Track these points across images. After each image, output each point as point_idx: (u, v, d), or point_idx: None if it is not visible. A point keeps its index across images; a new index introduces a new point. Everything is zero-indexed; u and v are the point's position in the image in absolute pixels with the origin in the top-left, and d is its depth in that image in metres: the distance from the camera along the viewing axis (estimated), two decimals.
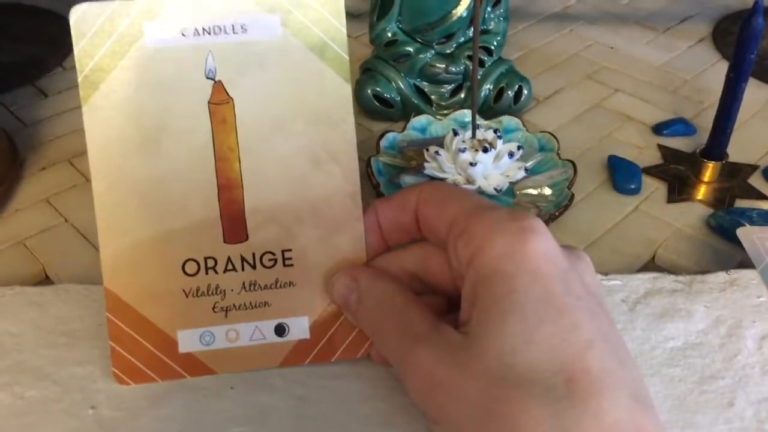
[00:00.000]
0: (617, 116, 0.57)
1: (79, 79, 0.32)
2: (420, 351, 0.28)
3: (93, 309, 0.36)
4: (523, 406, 0.25)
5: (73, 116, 0.56)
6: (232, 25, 0.32)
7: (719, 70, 0.62)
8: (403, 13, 0.53)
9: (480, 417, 0.26)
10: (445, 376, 0.27)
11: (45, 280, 0.43)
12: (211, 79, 0.32)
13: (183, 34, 0.32)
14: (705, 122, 0.55)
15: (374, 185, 0.46)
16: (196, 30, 0.32)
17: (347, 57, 0.33)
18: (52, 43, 0.63)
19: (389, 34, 0.54)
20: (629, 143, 0.54)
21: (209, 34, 0.32)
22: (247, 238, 0.33)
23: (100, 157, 0.32)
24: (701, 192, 0.49)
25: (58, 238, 0.46)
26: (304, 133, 0.33)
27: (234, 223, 0.33)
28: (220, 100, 0.32)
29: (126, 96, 0.32)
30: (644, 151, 0.53)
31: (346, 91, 0.33)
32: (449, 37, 0.54)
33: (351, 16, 0.68)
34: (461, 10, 0.52)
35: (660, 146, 0.54)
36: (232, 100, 0.32)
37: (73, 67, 0.60)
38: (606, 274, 0.40)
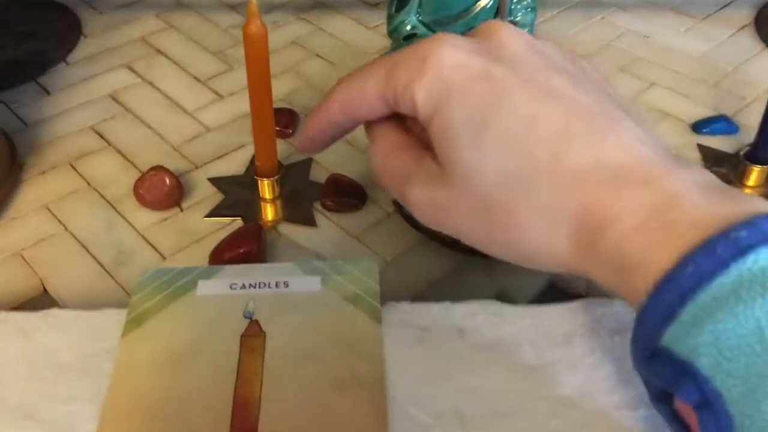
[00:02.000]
0: (653, 113, 0.53)
1: (126, 319, 0.35)
2: (411, 189, 0.31)
3: (84, 338, 0.34)
4: (514, 204, 0.28)
5: (77, 114, 0.53)
6: (276, 282, 0.37)
7: (763, 60, 0.58)
8: (424, 5, 0.50)
9: (484, 222, 0.29)
10: (439, 201, 0.30)
11: (43, 294, 0.41)
12: (249, 318, 0.35)
13: (231, 287, 0.36)
14: (748, 119, 0.52)
15: None
16: (244, 285, 0.36)
17: (380, 306, 0.36)
18: (55, 37, 0.60)
19: (408, 27, 0.50)
20: (666, 142, 0.50)
21: (255, 288, 0.36)
22: None
23: (121, 377, 0.32)
24: None
25: (57, 248, 0.43)
26: (331, 361, 0.33)
27: None
28: (252, 334, 0.34)
29: (164, 331, 0.34)
30: (683, 151, 0.49)
31: (377, 331, 0.34)
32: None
33: (368, 5, 0.64)
34: (486, 1, 0.49)
35: (699, 146, 0.50)
36: (264, 334, 0.34)
37: (78, 62, 0.58)
38: None
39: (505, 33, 0.31)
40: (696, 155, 0.49)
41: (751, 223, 0.24)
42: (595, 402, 0.31)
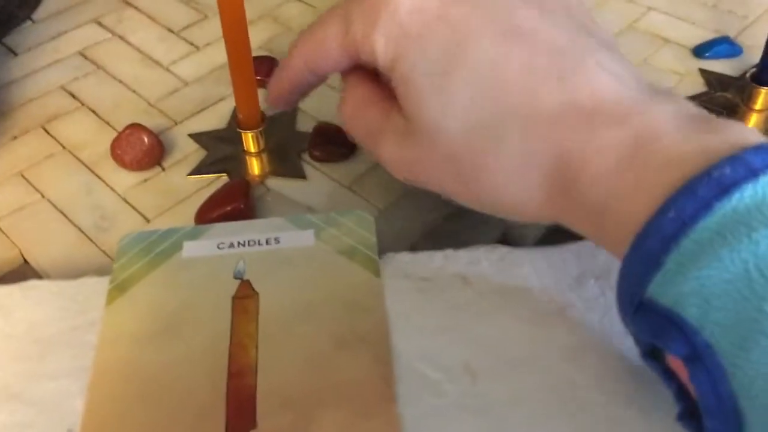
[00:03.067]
0: (652, 39, 0.51)
1: (109, 287, 0.33)
2: (381, 146, 0.30)
3: (66, 309, 0.32)
4: (483, 153, 0.27)
5: (47, 74, 0.50)
6: (267, 239, 0.34)
7: None
8: None
9: (455, 173, 0.28)
10: (409, 156, 0.29)
11: (24, 265, 0.39)
12: (239, 278, 0.33)
13: (219, 247, 0.34)
14: (751, 40, 0.49)
15: None
16: (232, 243, 0.34)
17: (377, 257, 0.34)
18: None
19: None
20: (667, 69, 0.48)
21: (244, 246, 0.34)
22: (255, 426, 0.28)
23: (106, 348, 0.31)
24: (753, 121, 0.44)
25: (35, 216, 0.41)
26: (330, 318, 0.31)
27: (242, 410, 0.28)
28: (244, 295, 0.32)
29: (150, 297, 0.32)
30: (685, 78, 0.47)
31: (377, 284, 0.32)
32: None
33: None
34: None
35: (702, 71, 0.48)
36: (257, 294, 0.32)
37: (44, 20, 0.55)
38: None
39: None
40: (699, 81, 0.47)
41: (735, 157, 0.22)
42: (612, 345, 0.30)
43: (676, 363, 0.24)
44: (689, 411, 0.24)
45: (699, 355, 0.21)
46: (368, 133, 0.31)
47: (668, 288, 0.22)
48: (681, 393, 0.24)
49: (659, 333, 0.23)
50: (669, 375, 0.24)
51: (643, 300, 0.23)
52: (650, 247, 0.23)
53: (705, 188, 0.22)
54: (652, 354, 0.25)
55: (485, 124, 0.27)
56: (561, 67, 0.26)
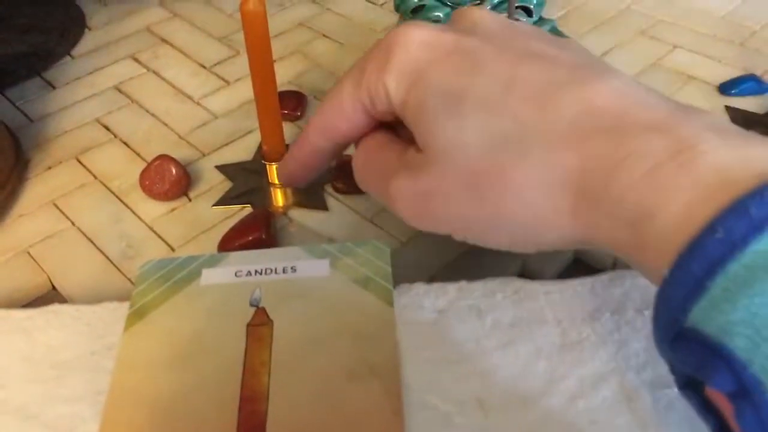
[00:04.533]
0: (678, 76, 0.51)
1: (128, 312, 0.33)
2: (393, 182, 0.29)
3: (84, 334, 0.32)
4: (503, 169, 0.25)
5: (83, 108, 0.52)
6: (284, 267, 0.35)
7: None
8: None
9: (473, 198, 0.26)
10: (422, 188, 0.28)
11: (51, 291, 0.40)
12: (255, 306, 0.33)
13: (236, 275, 0.35)
14: None
15: None
16: (249, 271, 0.35)
17: (392, 288, 0.34)
18: (59, 31, 0.59)
19: (416, 0, 0.48)
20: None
21: (261, 274, 0.35)
22: None
23: (122, 373, 0.31)
24: None
25: (65, 244, 0.42)
26: (342, 349, 0.31)
27: None
28: (259, 323, 0.33)
29: (167, 323, 0.33)
30: None
31: (389, 315, 0.32)
32: None
33: None
34: None
35: (728, 108, 0.47)
36: (272, 322, 0.32)
37: (83, 56, 0.56)
38: None
39: (479, 14, 0.29)
40: (725, 118, 0.47)
41: None
42: (624, 381, 0.30)
43: (718, 396, 0.22)
44: None
45: (747, 391, 0.20)
46: (380, 176, 0.30)
47: (714, 315, 0.20)
48: (721, 430, 0.22)
49: (701, 365, 0.21)
50: (708, 409, 0.23)
51: (684, 327, 0.21)
52: (694, 270, 0.21)
53: (758, 208, 0.20)
54: (691, 385, 0.23)
55: (503, 138, 0.25)
56: (578, 78, 0.25)
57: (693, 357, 0.21)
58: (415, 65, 0.27)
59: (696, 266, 0.21)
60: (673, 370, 0.24)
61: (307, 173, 0.34)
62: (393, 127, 0.32)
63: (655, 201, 0.22)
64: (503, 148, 0.25)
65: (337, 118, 0.31)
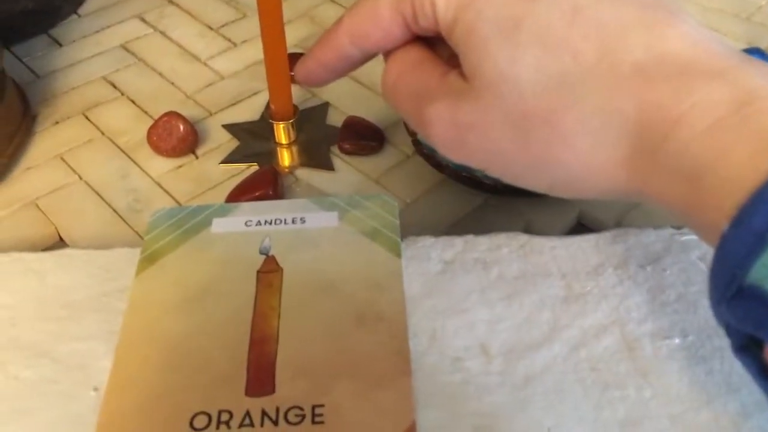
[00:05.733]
0: None
1: (139, 258, 0.34)
2: (430, 105, 0.26)
3: (97, 277, 0.33)
4: (556, 112, 0.24)
5: (89, 65, 0.52)
6: (293, 218, 0.35)
7: None
8: None
9: (519, 138, 0.25)
10: (464, 118, 0.26)
11: (59, 243, 0.40)
12: (265, 254, 0.34)
13: (246, 224, 0.35)
14: None
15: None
16: (259, 221, 0.35)
17: (399, 239, 0.34)
18: None
19: None
20: None
21: (270, 224, 0.35)
22: (273, 392, 0.29)
23: (135, 314, 0.32)
24: None
25: (72, 197, 0.42)
26: (350, 296, 0.32)
27: (261, 375, 0.29)
28: (269, 269, 0.33)
29: (178, 268, 0.33)
30: None
31: (397, 265, 0.33)
32: None
33: None
34: None
35: None
36: (281, 269, 0.33)
37: (89, 14, 0.56)
38: (679, 228, 0.36)
39: None
40: None
41: None
42: (626, 331, 0.30)
43: None
44: None
45: None
46: (416, 94, 0.27)
47: None
48: None
49: (762, 323, 0.20)
50: (765, 374, 0.22)
51: (744, 285, 0.20)
52: (755, 224, 0.20)
53: None
54: (748, 347, 0.22)
55: (559, 78, 0.23)
56: (647, 19, 0.23)
57: (753, 315, 0.20)
58: None
59: (758, 220, 0.20)
60: (729, 330, 0.23)
61: (326, 75, 0.32)
62: (430, 41, 0.29)
63: (715, 154, 0.21)
64: (558, 89, 0.23)
65: (370, 25, 0.28)
